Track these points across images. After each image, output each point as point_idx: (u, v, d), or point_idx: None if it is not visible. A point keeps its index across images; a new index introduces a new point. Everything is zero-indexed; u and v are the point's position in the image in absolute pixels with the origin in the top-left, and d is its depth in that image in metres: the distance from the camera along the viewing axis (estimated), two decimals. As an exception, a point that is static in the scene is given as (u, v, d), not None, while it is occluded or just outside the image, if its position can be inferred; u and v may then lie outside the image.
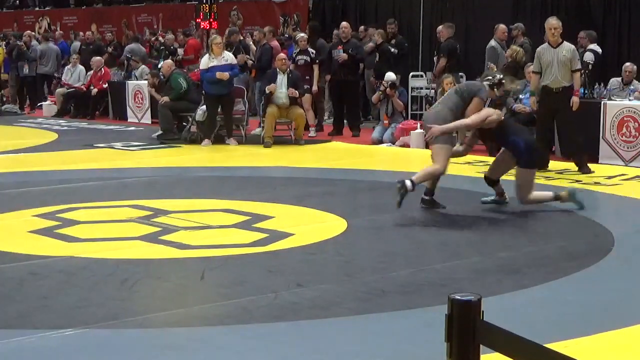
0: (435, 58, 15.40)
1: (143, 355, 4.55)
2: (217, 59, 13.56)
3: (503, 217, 8.18)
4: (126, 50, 19.65)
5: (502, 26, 14.50)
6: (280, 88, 13.56)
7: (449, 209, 8.44)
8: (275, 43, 16.29)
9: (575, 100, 10.54)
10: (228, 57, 13.86)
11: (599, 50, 13.78)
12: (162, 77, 15.38)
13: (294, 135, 13.80)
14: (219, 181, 10.51)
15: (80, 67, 19.17)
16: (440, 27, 15.49)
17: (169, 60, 15.77)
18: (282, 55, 14.32)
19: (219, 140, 13.85)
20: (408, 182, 7.76)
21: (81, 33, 22.24)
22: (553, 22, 10.74)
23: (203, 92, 13.95)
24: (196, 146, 13.68)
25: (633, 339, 4.83)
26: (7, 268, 6.21)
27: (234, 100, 14.17)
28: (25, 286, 5.77)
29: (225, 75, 13.50)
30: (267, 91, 13.56)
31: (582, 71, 11.24)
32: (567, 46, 10.65)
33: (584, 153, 10.93)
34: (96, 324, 4.93)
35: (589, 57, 13.27)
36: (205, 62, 13.77)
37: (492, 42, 14.38)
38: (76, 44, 22.07)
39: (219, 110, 13.87)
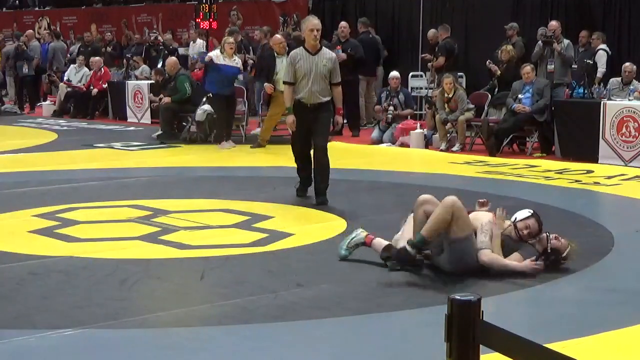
0: (432, 55, 15.40)
1: (143, 355, 4.55)
2: (229, 59, 13.51)
3: (503, 217, 8.16)
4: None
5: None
6: (282, 72, 13.20)
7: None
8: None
9: None
10: (238, 60, 13.81)
11: (608, 50, 13.81)
12: (166, 75, 15.35)
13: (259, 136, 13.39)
14: (218, 181, 10.50)
15: (85, 69, 19.17)
16: (433, 30, 15.59)
17: (174, 58, 15.65)
18: (278, 37, 13.87)
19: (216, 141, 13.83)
20: (410, 248, 5.91)
21: (86, 34, 22.19)
22: None
23: (210, 93, 13.63)
24: (196, 146, 13.67)
25: (633, 339, 4.83)
26: (7, 268, 6.20)
27: (236, 102, 14.15)
28: (25, 286, 5.76)
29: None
30: (268, 91, 13.43)
31: (583, 71, 11.19)
32: None
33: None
34: (96, 324, 4.93)
35: (602, 56, 13.38)
36: (216, 54, 13.61)
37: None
38: (51, 45, 22.11)
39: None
